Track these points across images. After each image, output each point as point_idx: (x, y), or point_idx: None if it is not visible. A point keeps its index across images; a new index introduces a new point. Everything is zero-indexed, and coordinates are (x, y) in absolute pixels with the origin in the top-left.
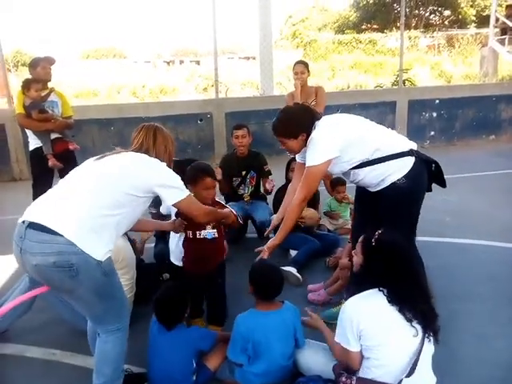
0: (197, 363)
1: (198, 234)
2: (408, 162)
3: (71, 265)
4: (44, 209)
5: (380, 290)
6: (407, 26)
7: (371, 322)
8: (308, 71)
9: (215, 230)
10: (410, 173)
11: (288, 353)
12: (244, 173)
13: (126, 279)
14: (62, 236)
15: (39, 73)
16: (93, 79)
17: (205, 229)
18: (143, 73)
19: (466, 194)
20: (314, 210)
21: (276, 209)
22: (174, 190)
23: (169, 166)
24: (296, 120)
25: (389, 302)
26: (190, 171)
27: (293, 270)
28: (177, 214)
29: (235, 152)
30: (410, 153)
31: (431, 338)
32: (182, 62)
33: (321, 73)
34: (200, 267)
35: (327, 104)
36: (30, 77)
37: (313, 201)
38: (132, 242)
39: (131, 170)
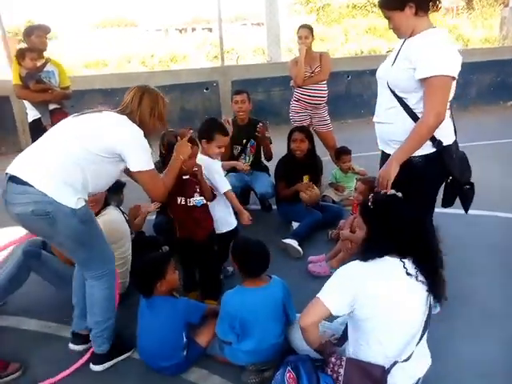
0: (187, 338)
1: (188, 202)
2: (432, 148)
3: (47, 213)
4: (21, 162)
5: (401, 261)
6: None
7: (376, 289)
8: (312, 36)
9: (203, 198)
10: (430, 158)
11: (278, 329)
12: (244, 141)
13: (121, 252)
14: (32, 187)
15: (34, 41)
16: (103, 49)
17: (193, 196)
18: (154, 41)
19: (477, 163)
20: (317, 191)
21: (277, 179)
22: (140, 158)
23: (158, 128)
24: None
25: (407, 273)
26: (205, 126)
27: (293, 242)
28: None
29: (235, 119)
30: (439, 144)
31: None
32: (194, 29)
33: (334, 38)
34: (191, 234)
35: (336, 70)
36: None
37: (315, 169)
38: (126, 214)
39: (99, 131)
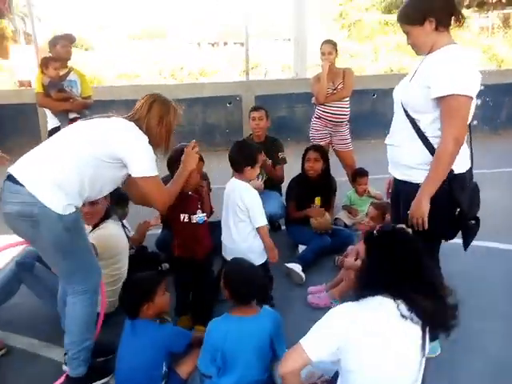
0: (168, 368)
1: (192, 219)
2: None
3: (33, 215)
4: (21, 162)
5: (395, 301)
6: (458, 5)
7: (365, 339)
8: (336, 51)
9: (205, 214)
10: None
11: (263, 365)
12: None
13: (115, 268)
14: (23, 187)
15: (59, 51)
16: (136, 60)
17: (196, 213)
18: (186, 54)
19: (503, 191)
20: (329, 219)
21: (288, 199)
22: (143, 164)
23: (165, 138)
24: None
25: (401, 315)
26: (247, 150)
27: (297, 267)
28: None
29: (251, 137)
30: (449, 171)
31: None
32: (225, 43)
33: (364, 55)
34: (192, 253)
35: (362, 88)
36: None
37: (328, 190)
38: (128, 229)
39: (103, 135)
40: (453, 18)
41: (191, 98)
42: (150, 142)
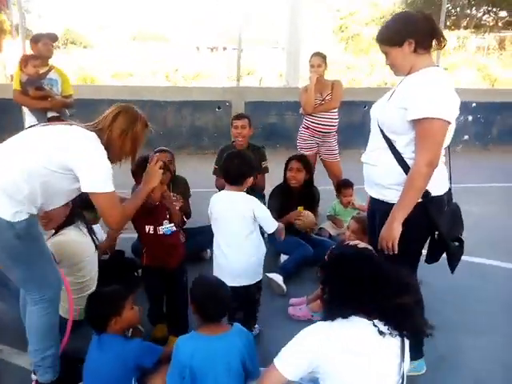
0: (138, 383)
1: (158, 230)
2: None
3: None
4: None
5: (369, 319)
6: (456, 26)
7: (341, 355)
8: (325, 64)
9: (172, 225)
10: (414, 208)
11: None
12: None
13: (79, 276)
14: None
15: (40, 48)
16: (133, 61)
17: (162, 224)
18: (183, 57)
19: (492, 206)
20: (312, 216)
21: (270, 208)
22: (93, 178)
23: (129, 151)
24: (405, 20)
25: (379, 331)
26: (252, 161)
27: (278, 277)
28: None
29: (233, 144)
30: (425, 194)
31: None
32: (224, 48)
33: (360, 68)
34: (162, 263)
35: (353, 99)
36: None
37: (311, 200)
38: (95, 236)
39: (55, 144)
40: (434, 40)
41: (180, 101)
42: (110, 154)
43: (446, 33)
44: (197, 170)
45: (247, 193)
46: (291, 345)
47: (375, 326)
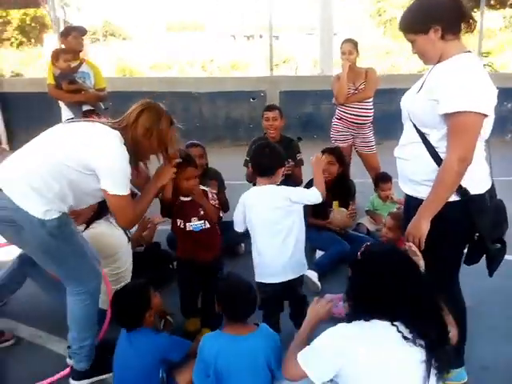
0: (167, 375)
1: (186, 226)
2: (455, 196)
3: (13, 221)
4: (4, 163)
5: (393, 325)
6: (502, 4)
7: (364, 357)
8: (357, 51)
9: (202, 221)
10: (453, 207)
11: None
12: None
13: (113, 268)
14: (2, 191)
15: (70, 42)
16: (171, 52)
17: (190, 221)
18: (219, 47)
19: None
20: (345, 213)
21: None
22: (108, 180)
23: (157, 149)
24: (428, 4)
25: (403, 337)
26: (278, 151)
27: (313, 274)
28: None
29: (265, 136)
30: (464, 192)
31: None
32: (261, 36)
33: (400, 53)
34: (193, 256)
35: (392, 87)
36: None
37: (345, 194)
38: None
39: (79, 144)
40: (462, 23)
41: (214, 92)
42: (136, 153)
43: (490, 12)
44: (232, 163)
45: (283, 184)
46: (315, 346)
47: (399, 331)
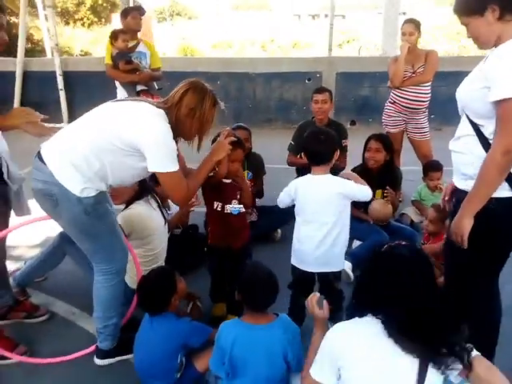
0: (186, 360)
1: (225, 208)
2: (509, 191)
3: (52, 194)
4: (50, 140)
5: (377, 318)
6: None
7: (356, 360)
8: (419, 32)
9: (241, 206)
10: (506, 203)
11: (275, 376)
12: None
13: (148, 249)
14: (45, 165)
15: (129, 22)
16: (234, 31)
17: (230, 203)
18: (282, 26)
19: None
20: (384, 204)
21: None
22: (157, 159)
23: (197, 131)
24: None
25: (388, 334)
26: (332, 136)
27: (347, 264)
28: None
29: (313, 120)
30: None
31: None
32: (326, 15)
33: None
34: (226, 242)
35: (457, 69)
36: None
37: (392, 183)
38: (164, 210)
39: (124, 123)
40: None
41: (269, 73)
42: (179, 132)
43: None
44: (281, 146)
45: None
46: (318, 351)
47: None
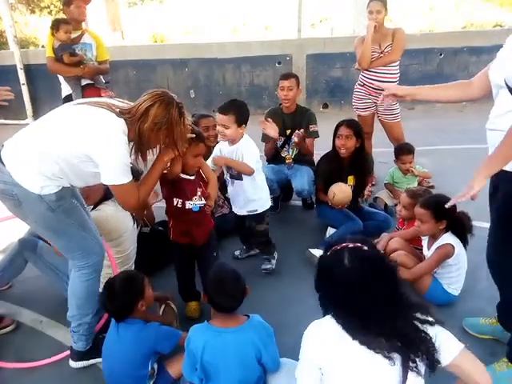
0: (158, 366)
1: (185, 205)
2: None
3: (13, 195)
4: (10, 140)
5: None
6: None
7: (329, 358)
8: (386, 9)
9: (202, 202)
10: None
11: (248, 380)
12: (289, 132)
13: (119, 251)
14: (4, 166)
15: (73, 11)
16: (204, 15)
17: (191, 200)
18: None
19: None
20: (344, 188)
21: (317, 178)
22: (109, 173)
23: (160, 143)
24: None
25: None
26: (246, 109)
27: (317, 251)
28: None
29: (281, 107)
30: None
31: (419, 369)
32: None
33: (443, 7)
34: (187, 238)
35: (428, 47)
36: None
37: (363, 169)
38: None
39: (80, 131)
40: None
41: (238, 58)
42: (140, 145)
43: None
44: (256, 132)
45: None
46: (300, 355)
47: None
